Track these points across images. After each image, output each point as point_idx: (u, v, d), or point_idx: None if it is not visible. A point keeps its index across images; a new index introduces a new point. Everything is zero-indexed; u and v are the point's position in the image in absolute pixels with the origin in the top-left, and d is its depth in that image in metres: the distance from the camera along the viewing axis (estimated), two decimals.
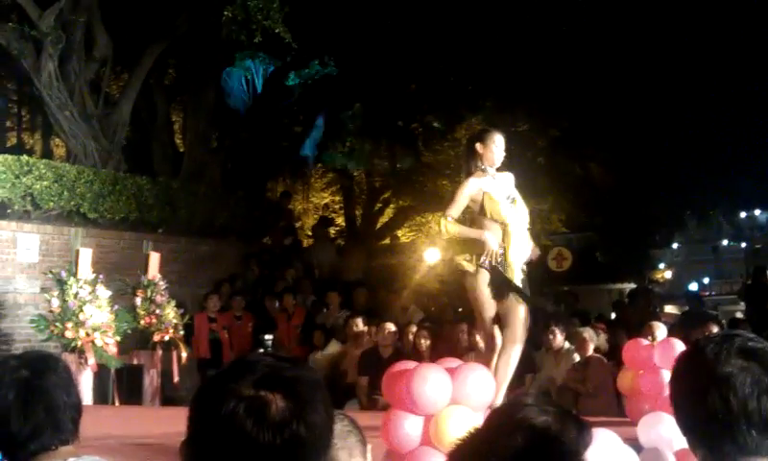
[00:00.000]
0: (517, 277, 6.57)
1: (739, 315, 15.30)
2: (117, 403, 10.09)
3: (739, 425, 1.89)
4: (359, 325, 11.01)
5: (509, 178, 6.90)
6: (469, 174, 6.71)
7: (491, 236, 6.48)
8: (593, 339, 9.61)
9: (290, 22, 12.85)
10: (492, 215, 6.55)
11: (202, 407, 1.68)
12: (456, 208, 6.59)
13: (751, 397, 1.90)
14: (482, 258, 6.45)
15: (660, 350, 6.53)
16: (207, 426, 1.65)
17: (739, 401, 1.89)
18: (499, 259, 6.46)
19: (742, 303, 16.47)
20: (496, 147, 6.78)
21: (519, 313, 6.53)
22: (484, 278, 6.49)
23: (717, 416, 1.91)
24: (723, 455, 1.92)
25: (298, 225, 21.43)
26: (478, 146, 6.76)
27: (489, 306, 6.56)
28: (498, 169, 6.82)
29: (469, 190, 6.63)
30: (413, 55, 18.48)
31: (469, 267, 6.51)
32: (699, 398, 1.95)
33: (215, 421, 1.63)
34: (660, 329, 8.02)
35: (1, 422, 2.61)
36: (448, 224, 6.52)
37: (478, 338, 9.73)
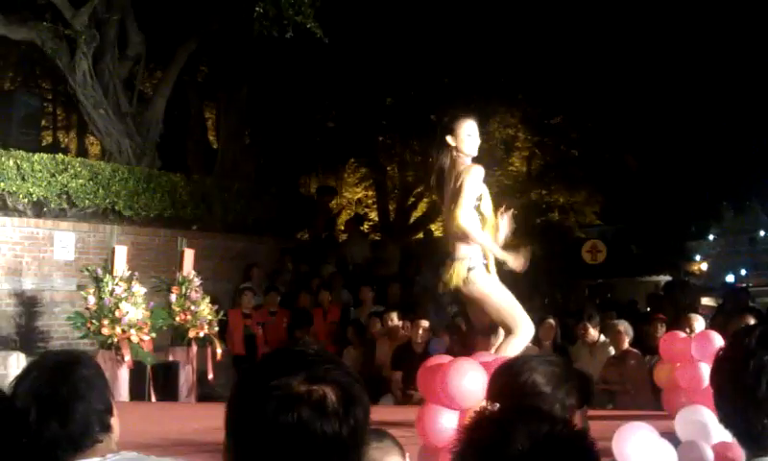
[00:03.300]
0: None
1: None
2: (153, 400, 10.14)
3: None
4: (394, 319, 10.99)
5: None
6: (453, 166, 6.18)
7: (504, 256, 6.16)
8: (629, 332, 9.54)
9: (321, 17, 12.85)
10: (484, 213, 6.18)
11: (246, 405, 1.67)
12: (468, 206, 6.05)
13: None
14: (473, 261, 6.09)
15: (698, 342, 6.47)
16: (256, 424, 1.63)
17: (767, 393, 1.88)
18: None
19: None
20: (470, 136, 6.20)
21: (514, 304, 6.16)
22: (482, 271, 6.14)
23: (754, 406, 1.89)
24: (760, 447, 1.91)
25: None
26: (449, 139, 6.19)
27: (506, 293, 6.18)
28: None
29: (477, 180, 6.13)
30: (445, 48, 18.45)
31: (466, 274, 6.07)
32: (738, 389, 1.94)
33: (266, 417, 1.62)
34: (699, 322, 7.95)
35: (19, 434, 2.61)
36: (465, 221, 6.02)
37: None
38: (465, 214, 6.03)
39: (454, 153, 6.18)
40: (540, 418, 1.68)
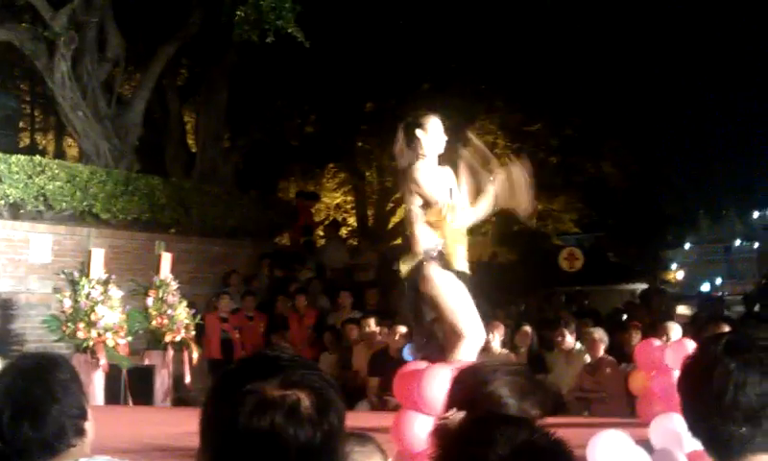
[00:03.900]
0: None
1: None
2: (129, 404, 10.10)
3: (734, 422, 1.90)
4: (371, 325, 11.00)
5: (449, 172, 6.29)
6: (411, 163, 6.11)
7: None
8: (604, 340, 9.57)
9: (302, 22, 12.86)
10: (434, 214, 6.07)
11: (220, 409, 1.66)
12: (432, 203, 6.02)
13: (743, 393, 1.91)
14: (427, 251, 5.99)
15: (672, 350, 6.50)
16: (230, 429, 1.62)
17: (735, 399, 1.91)
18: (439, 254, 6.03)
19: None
20: (437, 134, 6.18)
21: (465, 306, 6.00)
22: (437, 267, 6.00)
23: (720, 414, 1.92)
24: (727, 455, 1.93)
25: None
26: (419, 132, 6.14)
27: (460, 291, 6.01)
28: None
29: (426, 176, 6.06)
30: (425, 54, 18.49)
31: (423, 266, 5.96)
32: (704, 396, 1.96)
33: (238, 422, 1.61)
34: (675, 330, 7.99)
35: None
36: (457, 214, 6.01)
37: (491, 336, 9.74)
38: (414, 213, 6.05)
39: (420, 149, 6.14)
40: (520, 425, 1.70)
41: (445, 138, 6.24)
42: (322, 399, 1.66)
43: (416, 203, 6.09)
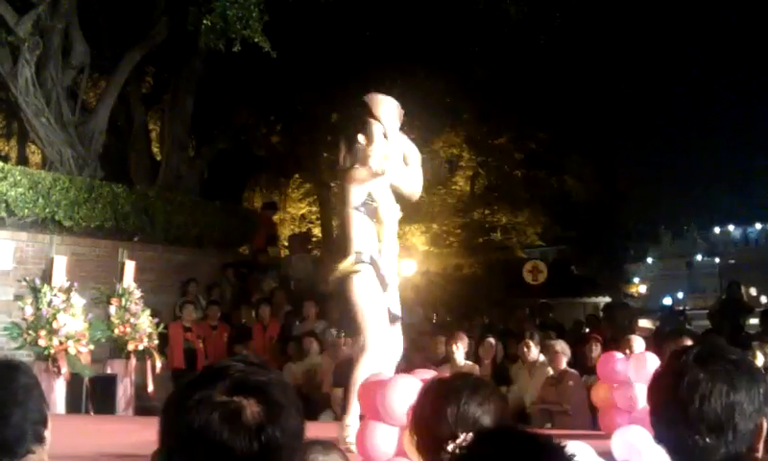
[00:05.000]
0: (391, 282, 6.16)
1: None
2: (90, 413, 10.01)
3: (700, 433, 1.92)
4: (334, 336, 10.99)
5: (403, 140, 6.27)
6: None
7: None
8: (566, 352, 9.61)
9: (268, 32, 12.85)
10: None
11: (173, 416, 1.66)
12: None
13: (709, 404, 1.93)
14: (362, 253, 5.97)
15: (634, 363, 6.56)
16: (180, 435, 1.63)
17: (701, 409, 1.93)
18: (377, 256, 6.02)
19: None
20: (379, 139, 6.05)
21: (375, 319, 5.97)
22: (369, 272, 5.99)
23: (686, 422, 1.94)
24: None
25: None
26: (360, 138, 6.03)
27: (377, 304, 5.98)
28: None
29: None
30: (391, 67, 18.53)
31: (352, 267, 5.95)
32: (671, 405, 1.98)
33: (188, 429, 1.61)
34: (638, 343, 8.01)
35: None
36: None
37: (455, 347, 9.77)
38: (355, 232, 6.03)
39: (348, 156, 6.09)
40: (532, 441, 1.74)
41: (398, 122, 6.21)
42: (272, 406, 1.65)
43: (353, 202, 6.06)
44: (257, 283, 15.52)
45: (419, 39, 18.23)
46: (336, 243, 6.07)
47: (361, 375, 5.65)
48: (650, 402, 2.11)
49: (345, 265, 5.98)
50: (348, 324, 6.22)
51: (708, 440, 1.93)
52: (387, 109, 6.20)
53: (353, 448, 4.82)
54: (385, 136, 6.04)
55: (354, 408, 5.74)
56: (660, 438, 2.05)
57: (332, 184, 5.76)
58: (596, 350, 9.97)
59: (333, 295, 6.38)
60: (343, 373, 9.93)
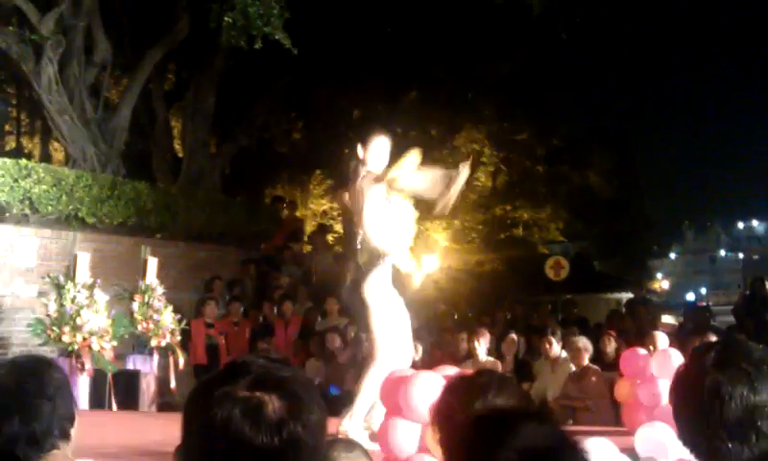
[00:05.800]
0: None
1: None
2: (114, 409, 10.06)
3: (722, 438, 1.90)
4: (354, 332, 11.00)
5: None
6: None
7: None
8: (588, 349, 9.58)
9: (290, 28, 12.86)
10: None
11: (195, 411, 1.67)
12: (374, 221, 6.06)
13: (731, 408, 1.91)
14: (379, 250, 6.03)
15: (658, 359, 6.53)
16: (202, 431, 1.63)
17: (722, 414, 1.91)
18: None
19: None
20: (379, 152, 6.25)
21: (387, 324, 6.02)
22: (382, 276, 6.07)
23: (708, 425, 1.92)
24: None
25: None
26: (359, 148, 6.26)
27: (392, 312, 6.05)
28: None
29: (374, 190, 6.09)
30: (412, 63, 18.51)
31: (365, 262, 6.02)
32: (693, 407, 1.96)
33: (210, 424, 1.62)
34: (662, 339, 7.97)
35: None
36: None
37: (477, 344, 9.75)
38: (374, 232, 6.05)
39: (360, 166, 6.18)
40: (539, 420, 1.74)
41: (386, 160, 6.21)
42: (294, 402, 1.65)
43: (368, 202, 6.09)
44: (278, 279, 15.53)
45: (440, 35, 18.20)
46: (348, 241, 6.09)
47: (372, 379, 5.78)
48: (672, 402, 2.10)
49: (365, 261, 6.03)
50: (362, 325, 6.23)
51: (730, 445, 1.91)
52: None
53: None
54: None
55: (358, 412, 5.87)
56: (683, 439, 2.04)
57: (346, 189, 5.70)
58: (610, 345, 9.96)
59: (349, 294, 6.35)
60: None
